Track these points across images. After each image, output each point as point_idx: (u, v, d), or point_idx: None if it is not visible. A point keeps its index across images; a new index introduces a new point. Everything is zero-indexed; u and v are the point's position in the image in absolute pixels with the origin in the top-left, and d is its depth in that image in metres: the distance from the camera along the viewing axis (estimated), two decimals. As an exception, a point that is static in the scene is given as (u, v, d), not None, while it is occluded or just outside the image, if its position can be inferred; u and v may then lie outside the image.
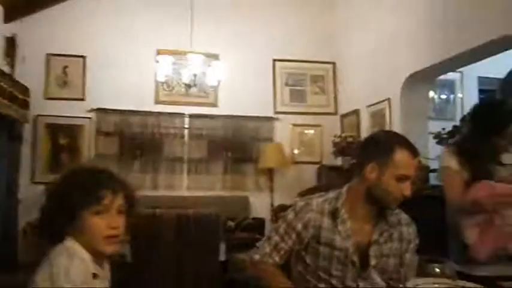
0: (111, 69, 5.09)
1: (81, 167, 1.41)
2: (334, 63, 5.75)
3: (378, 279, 1.54)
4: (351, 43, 5.38)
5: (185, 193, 5.22)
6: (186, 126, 5.30)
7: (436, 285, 1.05)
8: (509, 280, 1.68)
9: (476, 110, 2.18)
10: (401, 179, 1.50)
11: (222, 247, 3.26)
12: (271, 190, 5.32)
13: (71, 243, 1.20)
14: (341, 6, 5.65)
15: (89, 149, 5.07)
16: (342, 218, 1.57)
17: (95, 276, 1.22)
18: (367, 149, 1.63)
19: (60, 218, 1.21)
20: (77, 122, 5.05)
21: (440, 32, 3.79)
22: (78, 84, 5.11)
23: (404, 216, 1.66)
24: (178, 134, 5.28)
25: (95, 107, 5.08)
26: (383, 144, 1.58)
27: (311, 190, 1.96)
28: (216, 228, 2.97)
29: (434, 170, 3.87)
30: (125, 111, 5.11)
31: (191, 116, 5.31)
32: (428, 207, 3.40)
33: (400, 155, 1.50)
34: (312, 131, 5.67)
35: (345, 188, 1.64)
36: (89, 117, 5.09)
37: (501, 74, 4.59)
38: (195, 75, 4.31)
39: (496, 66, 4.51)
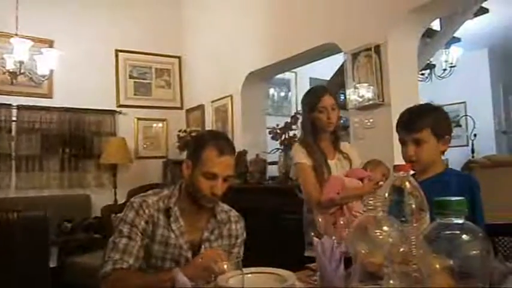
0: None
1: None
2: (179, 58, 5.74)
3: None
4: (197, 39, 5.43)
5: (13, 194, 4.67)
6: (14, 118, 4.72)
7: (250, 274, 1.12)
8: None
9: (301, 99, 2.40)
10: (208, 177, 1.54)
11: (55, 251, 2.99)
12: (115, 187, 5.08)
13: None
14: (188, 1, 5.66)
15: None
16: (175, 216, 1.57)
17: None
18: (188, 147, 1.68)
19: None
20: None
21: (277, 36, 4.08)
22: None
23: (233, 214, 1.72)
24: (4, 127, 4.68)
25: None
26: (196, 142, 1.66)
27: (141, 188, 1.91)
28: (44, 232, 2.70)
29: (271, 163, 4.16)
30: None
31: (19, 108, 4.74)
32: (266, 197, 3.65)
33: (207, 153, 1.54)
34: (157, 125, 5.59)
35: (177, 186, 1.65)
36: None
37: (328, 75, 5.13)
38: (20, 63, 3.84)
39: (324, 68, 5.04)
